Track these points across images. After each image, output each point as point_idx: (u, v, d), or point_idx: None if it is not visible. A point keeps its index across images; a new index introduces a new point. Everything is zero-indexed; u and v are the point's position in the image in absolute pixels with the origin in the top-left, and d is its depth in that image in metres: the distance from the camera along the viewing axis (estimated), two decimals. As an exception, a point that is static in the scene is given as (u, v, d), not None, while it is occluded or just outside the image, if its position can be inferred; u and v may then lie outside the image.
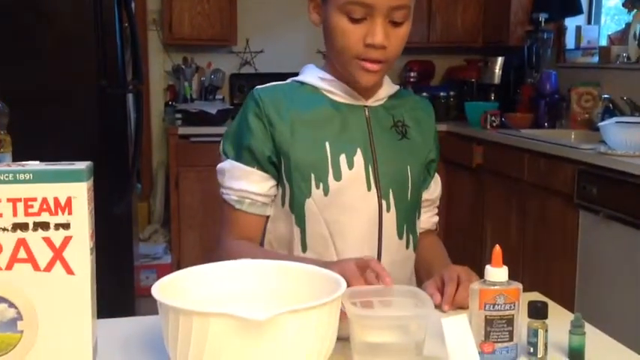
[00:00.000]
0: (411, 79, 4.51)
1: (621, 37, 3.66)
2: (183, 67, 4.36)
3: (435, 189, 1.45)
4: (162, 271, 3.69)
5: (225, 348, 0.84)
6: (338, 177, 1.27)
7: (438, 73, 4.75)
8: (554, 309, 1.16)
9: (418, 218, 1.39)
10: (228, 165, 1.31)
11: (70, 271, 0.87)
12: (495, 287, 0.98)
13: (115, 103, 2.78)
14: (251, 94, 1.33)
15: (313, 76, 1.34)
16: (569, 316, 1.06)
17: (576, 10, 4.02)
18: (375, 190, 1.29)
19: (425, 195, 1.42)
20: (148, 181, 4.44)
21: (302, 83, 1.34)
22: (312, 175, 1.27)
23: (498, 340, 0.98)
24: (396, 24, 1.22)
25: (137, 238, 3.37)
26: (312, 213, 1.27)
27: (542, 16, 3.99)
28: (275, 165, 1.30)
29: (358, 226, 1.28)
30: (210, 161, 4.10)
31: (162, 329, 0.86)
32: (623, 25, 3.69)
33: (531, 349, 0.99)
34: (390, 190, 1.30)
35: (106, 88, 2.72)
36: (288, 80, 1.36)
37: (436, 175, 1.46)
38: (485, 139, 3.76)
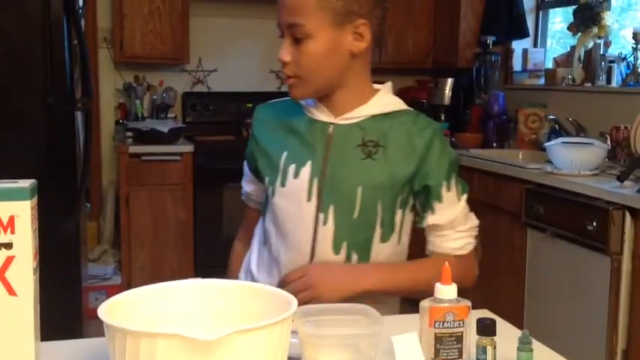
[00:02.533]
0: (364, 99, 4.55)
1: (566, 60, 3.77)
2: (134, 85, 4.31)
3: (446, 214, 1.39)
4: (112, 292, 3.60)
5: (174, 370, 0.82)
6: (283, 183, 1.38)
7: (390, 93, 4.81)
8: (503, 326, 1.18)
9: (385, 241, 1.38)
10: (245, 163, 1.54)
11: (12, 292, 0.85)
12: (444, 305, 0.99)
13: (62, 120, 2.72)
14: (257, 107, 1.50)
15: None
16: (517, 333, 1.08)
17: (523, 34, 4.13)
18: (314, 202, 1.35)
19: (431, 220, 1.39)
20: (97, 200, 4.35)
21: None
22: (267, 179, 1.42)
23: (448, 357, 0.98)
24: (297, 41, 1.29)
25: (86, 259, 3.30)
26: (267, 210, 1.44)
27: (490, 39, 4.09)
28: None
29: (296, 231, 1.37)
30: (162, 180, 4.10)
31: (109, 352, 0.84)
32: (568, 48, 3.80)
33: (480, 366, 1.00)
34: (331, 205, 1.34)
35: (54, 105, 2.67)
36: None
37: (455, 199, 1.39)
38: (436, 159, 3.80)
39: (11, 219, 0.83)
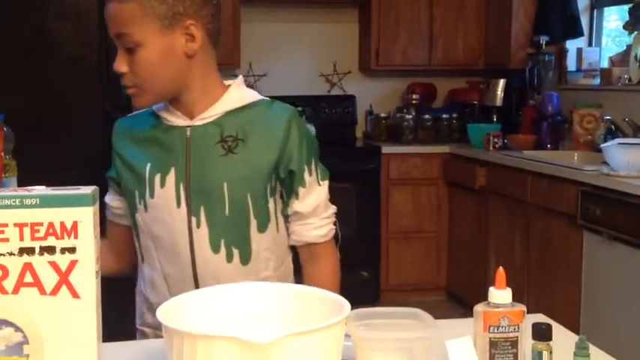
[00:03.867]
0: (413, 101, 4.54)
1: (622, 59, 3.68)
2: (186, 90, 4.39)
3: (309, 200, 1.41)
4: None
5: (230, 372, 0.84)
6: (152, 195, 1.38)
7: (440, 95, 4.78)
8: (559, 331, 1.16)
9: (263, 231, 1.38)
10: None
11: (75, 295, 0.87)
12: (499, 309, 0.98)
13: (119, 127, 2.79)
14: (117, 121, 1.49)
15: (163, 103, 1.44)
16: (573, 338, 1.06)
17: (577, 33, 4.04)
18: (184, 207, 1.36)
19: (295, 206, 1.41)
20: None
21: (153, 109, 1.44)
22: (136, 193, 1.40)
23: (503, 362, 0.97)
24: (129, 50, 1.29)
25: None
26: (140, 226, 1.42)
27: (543, 39, 4.02)
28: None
29: (172, 241, 1.37)
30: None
31: (166, 353, 0.86)
32: (624, 47, 3.71)
33: (536, 372, 0.99)
34: (202, 207, 1.35)
35: (111, 111, 2.74)
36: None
37: (315, 183, 1.42)
38: (488, 161, 3.77)
39: (74, 224, 0.86)
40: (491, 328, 0.97)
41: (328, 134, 4.40)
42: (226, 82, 1.41)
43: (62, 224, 0.86)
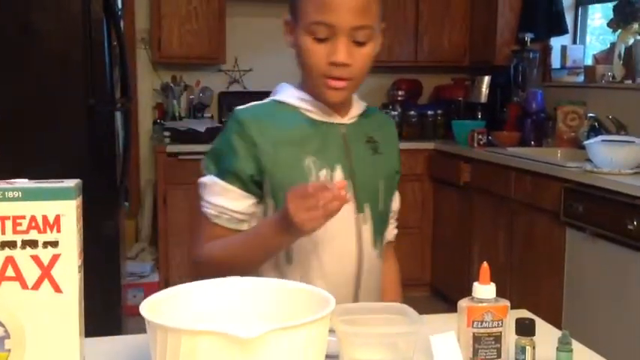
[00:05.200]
0: (399, 98, 4.54)
1: (606, 57, 3.71)
2: (172, 85, 4.36)
3: (397, 202, 1.51)
4: (150, 289, 3.66)
5: (214, 366, 0.83)
6: None
7: (426, 91, 4.79)
8: (542, 326, 1.17)
9: (386, 230, 1.46)
10: (208, 180, 1.34)
11: (58, 290, 0.87)
12: (483, 304, 0.99)
13: (103, 120, 2.78)
14: (233, 114, 1.36)
15: (291, 95, 1.37)
16: (556, 333, 1.07)
17: (562, 30, 4.07)
18: (352, 204, 1.33)
19: (393, 206, 1.49)
20: (136, 199, 4.42)
21: (281, 102, 1.37)
22: None
23: (486, 357, 0.98)
24: (359, 43, 1.27)
25: (124, 257, 3.35)
26: None
27: (528, 36, 4.04)
28: (258, 184, 1.32)
29: (339, 239, 1.33)
30: (199, 179, 4.12)
31: (150, 348, 0.86)
32: (608, 45, 3.74)
33: (519, 366, 0.99)
34: (366, 204, 1.36)
35: (94, 105, 2.72)
36: (267, 100, 1.40)
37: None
38: (472, 157, 3.78)
39: (57, 218, 0.85)
40: (475, 323, 0.98)
41: (314, 130, 4.39)
42: None
43: (45, 217, 0.85)
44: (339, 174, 1.33)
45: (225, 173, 1.32)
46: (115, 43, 2.88)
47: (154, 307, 0.90)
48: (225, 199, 1.32)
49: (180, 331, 0.81)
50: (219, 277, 1.17)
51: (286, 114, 1.35)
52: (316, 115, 1.35)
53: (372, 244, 1.37)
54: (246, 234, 1.32)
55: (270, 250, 1.30)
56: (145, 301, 0.90)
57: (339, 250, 1.34)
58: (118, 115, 2.96)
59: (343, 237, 1.34)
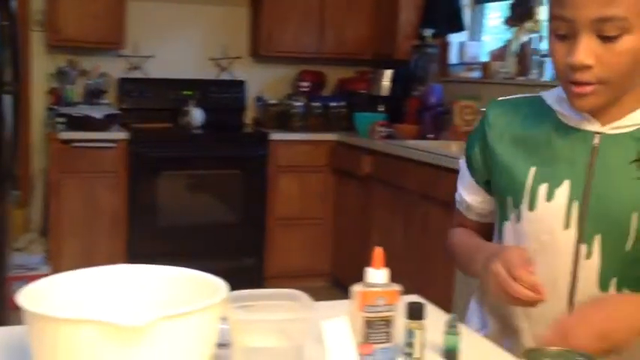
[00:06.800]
0: (303, 89, 4.55)
1: (501, 54, 3.85)
2: (68, 69, 4.18)
3: None
4: (41, 282, 3.50)
5: (99, 358, 0.80)
6: (532, 207, 1.17)
7: (330, 83, 4.82)
8: (433, 311, 1.20)
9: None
10: (461, 162, 1.35)
11: None
12: (375, 289, 1.00)
13: (-11, 104, 2.63)
14: (488, 104, 1.32)
15: (553, 93, 1.22)
16: (445, 317, 1.09)
17: (460, 27, 4.19)
18: (574, 231, 1.13)
19: None
20: (26, 187, 4.21)
21: (542, 99, 1.24)
22: (509, 199, 1.21)
23: (377, 341, 0.99)
24: (608, 38, 1.04)
25: (11, 248, 3.19)
26: (505, 238, 1.23)
27: (429, 32, 4.14)
28: (489, 182, 1.28)
29: (547, 266, 1.15)
30: (94, 167, 4.00)
31: (30, 341, 0.81)
32: (503, 43, 3.88)
33: (408, 350, 1.01)
34: (598, 235, 1.12)
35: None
36: (538, 94, 1.27)
37: None
38: (373, 149, 3.84)
39: None
40: (367, 308, 0.99)
41: (217, 119, 4.34)
42: None
43: None
44: (563, 191, 1.14)
45: (466, 158, 1.32)
46: (6, 23, 2.73)
47: (33, 296, 0.85)
48: (463, 189, 1.33)
49: (59, 320, 0.77)
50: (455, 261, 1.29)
51: (538, 112, 1.20)
52: (567, 119, 1.17)
53: (599, 285, 1.13)
54: (469, 240, 1.31)
55: (470, 273, 1.29)
56: (23, 289, 0.85)
57: (545, 278, 1.12)
58: (7, 99, 2.81)
59: (552, 266, 1.15)
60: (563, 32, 1.07)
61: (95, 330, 0.77)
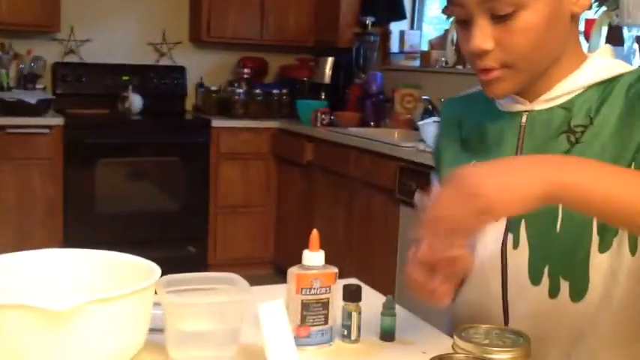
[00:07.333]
0: (245, 75, 4.51)
1: (440, 43, 3.90)
2: (0, 53, 4.04)
3: None
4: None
5: (25, 343, 0.78)
6: None
7: (272, 70, 4.79)
8: (370, 293, 1.20)
9: (606, 250, 0.98)
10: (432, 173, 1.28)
11: None
12: (312, 271, 1.00)
13: None
14: (443, 103, 1.23)
15: None
16: (382, 299, 1.10)
17: (400, 15, 4.22)
18: (501, 221, 1.01)
19: None
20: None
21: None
22: None
23: (314, 323, 0.99)
24: (502, 18, 0.95)
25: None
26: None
27: (370, 20, 4.16)
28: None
29: (481, 262, 1.05)
30: (28, 154, 3.89)
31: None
32: (443, 32, 3.93)
33: (345, 332, 1.02)
34: (522, 221, 1.02)
35: None
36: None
37: None
38: (315, 137, 3.84)
39: None
40: (304, 290, 0.99)
41: (157, 106, 4.27)
42: (587, 53, 1.06)
43: None
44: None
45: (434, 162, 1.26)
46: None
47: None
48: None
49: (-18, 304, 0.74)
50: None
51: (483, 105, 1.12)
52: (499, 104, 1.09)
53: (530, 278, 1.03)
54: None
55: None
56: (-56, 274, 0.82)
57: (479, 279, 1.08)
58: None
59: (481, 261, 1.05)
60: (462, 18, 0.99)
61: (20, 315, 0.75)
